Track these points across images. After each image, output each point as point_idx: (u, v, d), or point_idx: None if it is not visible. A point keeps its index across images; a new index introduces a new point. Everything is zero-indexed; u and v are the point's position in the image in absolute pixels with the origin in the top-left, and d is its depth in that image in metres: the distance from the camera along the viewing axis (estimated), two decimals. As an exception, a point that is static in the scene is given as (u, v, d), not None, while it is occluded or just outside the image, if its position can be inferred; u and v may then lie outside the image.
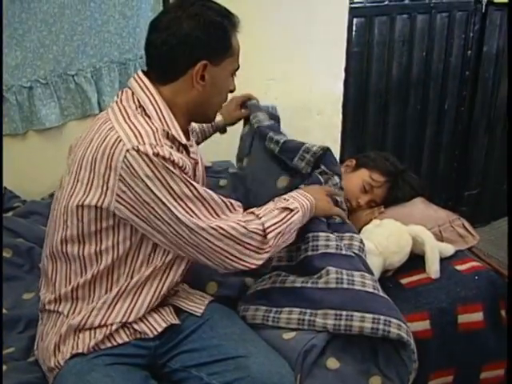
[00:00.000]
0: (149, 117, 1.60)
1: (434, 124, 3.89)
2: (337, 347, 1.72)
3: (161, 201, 1.50)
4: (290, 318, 1.77)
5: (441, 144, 3.98)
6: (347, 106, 3.42)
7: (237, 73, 1.76)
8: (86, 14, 2.56)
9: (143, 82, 1.65)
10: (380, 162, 2.39)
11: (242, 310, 1.85)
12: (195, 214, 1.54)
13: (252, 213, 1.70)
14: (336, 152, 3.35)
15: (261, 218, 1.67)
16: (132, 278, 1.64)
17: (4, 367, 1.69)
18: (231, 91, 1.79)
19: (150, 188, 1.49)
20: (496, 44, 3.82)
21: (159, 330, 1.66)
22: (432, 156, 3.98)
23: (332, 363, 1.68)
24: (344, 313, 1.69)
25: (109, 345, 1.63)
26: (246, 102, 2.31)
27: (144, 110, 1.61)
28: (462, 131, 4.00)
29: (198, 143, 2.23)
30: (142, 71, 1.69)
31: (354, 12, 3.28)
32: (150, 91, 1.63)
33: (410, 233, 2.09)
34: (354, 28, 3.36)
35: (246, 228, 1.61)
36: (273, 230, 1.66)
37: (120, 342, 1.64)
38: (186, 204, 1.53)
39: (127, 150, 1.47)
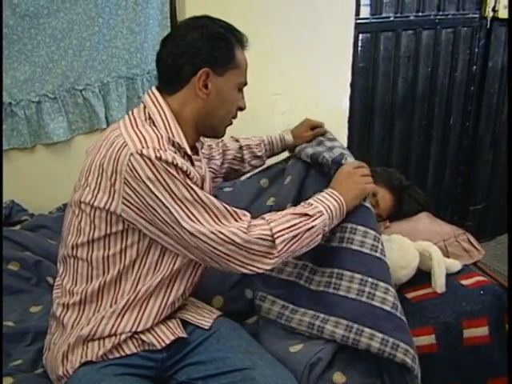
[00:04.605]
0: (156, 127, 1.64)
1: (439, 139, 3.90)
2: (343, 361, 1.73)
3: (163, 203, 1.52)
4: (302, 319, 1.78)
5: (446, 159, 3.98)
6: (353, 121, 3.42)
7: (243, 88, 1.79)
8: (95, 30, 2.58)
9: (155, 95, 1.70)
10: (386, 177, 2.40)
11: (260, 297, 1.84)
12: (196, 218, 1.55)
13: (263, 218, 1.68)
14: (341, 166, 3.36)
15: (270, 223, 1.64)
16: (139, 288, 1.66)
17: (11, 379, 1.70)
18: (241, 109, 1.80)
19: (152, 191, 1.51)
20: (501, 59, 3.84)
21: (167, 341, 1.66)
22: (437, 171, 3.99)
23: (338, 377, 1.68)
24: (355, 326, 1.69)
25: (117, 355, 1.64)
26: (315, 127, 2.30)
27: (152, 122, 1.65)
28: (467, 146, 4.01)
29: (266, 156, 2.28)
30: (156, 87, 1.74)
31: (359, 28, 3.30)
32: (159, 103, 1.68)
33: (418, 248, 2.08)
34: (359, 43, 3.37)
35: (247, 234, 1.58)
36: (283, 235, 1.62)
37: (128, 352, 1.65)
38: (186, 207, 1.54)
39: (131, 154, 1.51)
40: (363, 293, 1.74)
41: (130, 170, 1.51)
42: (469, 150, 4.02)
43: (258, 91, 2.60)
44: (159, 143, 1.55)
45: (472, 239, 2.30)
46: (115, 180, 1.54)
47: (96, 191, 1.59)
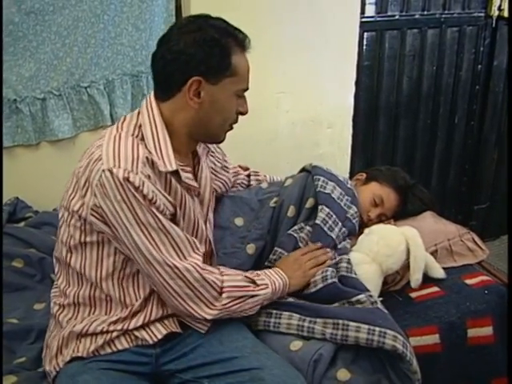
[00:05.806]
0: (142, 139, 1.61)
1: (444, 138, 3.89)
2: (348, 358, 1.73)
3: (124, 225, 1.52)
4: (289, 323, 1.80)
5: (451, 158, 3.98)
6: (357, 120, 3.41)
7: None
8: (100, 27, 2.58)
9: (150, 99, 1.67)
10: (390, 175, 2.40)
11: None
12: (156, 246, 1.56)
13: (218, 268, 1.71)
14: (346, 165, 3.37)
15: (223, 275, 1.68)
16: (128, 303, 1.67)
17: (15, 377, 1.70)
18: (242, 113, 1.74)
19: (117, 211, 1.51)
20: (506, 58, 3.81)
21: (159, 336, 1.66)
22: (442, 170, 3.98)
23: (343, 374, 1.69)
24: (340, 322, 1.73)
25: (109, 351, 1.65)
26: None
27: (141, 132, 1.62)
28: (471, 145, 4.00)
29: None
30: (154, 92, 1.71)
31: (364, 26, 3.29)
32: (152, 109, 1.65)
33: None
34: (364, 42, 3.37)
35: (201, 275, 1.60)
36: (229, 292, 1.66)
37: (120, 348, 1.65)
38: (149, 233, 1.54)
39: (103, 170, 1.50)
40: (344, 305, 1.82)
41: (100, 185, 1.51)
42: (473, 149, 4.02)
43: (262, 89, 2.60)
44: (132, 164, 1.51)
45: (476, 238, 2.30)
46: (86, 190, 1.56)
47: (72, 197, 1.61)
